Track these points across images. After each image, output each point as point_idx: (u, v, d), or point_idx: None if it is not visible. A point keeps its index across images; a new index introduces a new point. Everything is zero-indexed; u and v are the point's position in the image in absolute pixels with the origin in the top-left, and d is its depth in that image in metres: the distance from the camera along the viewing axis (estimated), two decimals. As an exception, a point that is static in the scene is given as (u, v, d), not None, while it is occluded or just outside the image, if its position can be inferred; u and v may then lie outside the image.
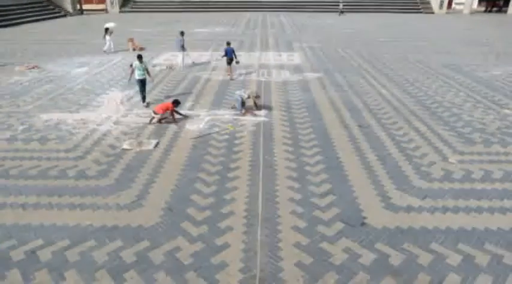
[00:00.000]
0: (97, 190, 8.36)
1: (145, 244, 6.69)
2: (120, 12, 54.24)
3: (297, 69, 20.07)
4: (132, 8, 55.38)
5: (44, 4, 48.42)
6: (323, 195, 8.17)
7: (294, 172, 9.12)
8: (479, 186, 8.58)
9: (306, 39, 30.08)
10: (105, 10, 54.56)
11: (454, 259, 6.34)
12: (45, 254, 6.43)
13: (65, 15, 48.65)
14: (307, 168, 9.35)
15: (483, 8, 60.37)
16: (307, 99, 14.75)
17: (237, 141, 10.85)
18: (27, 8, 44.47)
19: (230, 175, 9.00)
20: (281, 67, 20.47)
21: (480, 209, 7.73)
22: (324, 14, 52.14)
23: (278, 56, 23.54)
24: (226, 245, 6.66)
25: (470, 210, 7.69)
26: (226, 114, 12.99)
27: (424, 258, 6.35)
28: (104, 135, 11.35)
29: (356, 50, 25.83)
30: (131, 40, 25.50)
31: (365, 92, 15.81)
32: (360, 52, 25.02)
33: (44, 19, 44.21)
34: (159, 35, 32.55)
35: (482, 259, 6.33)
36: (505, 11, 55.60)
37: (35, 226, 7.16)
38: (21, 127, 11.86)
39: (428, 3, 55.63)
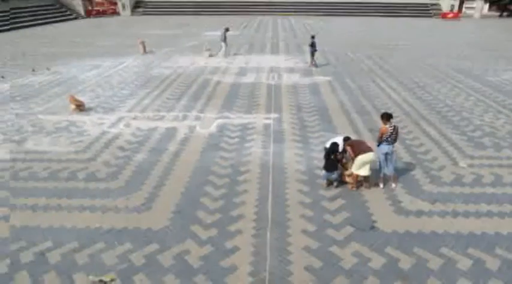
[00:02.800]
0: (107, 193, 8.40)
1: (154, 246, 6.71)
2: (132, 15, 54.65)
3: (307, 72, 20.04)
4: (144, 11, 55.77)
5: (56, 7, 48.97)
6: (333, 199, 8.13)
7: (304, 176, 9.10)
8: (489, 190, 8.50)
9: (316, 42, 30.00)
10: (117, 13, 55.04)
11: (465, 263, 6.28)
12: (54, 256, 6.48)
13: (76, 18, 49.16)
14: (317, 171, 9.31)
15: (494, 13, 59.86)
16: (317, 102, 14.72)
17: (247, 144, 10.85)
18: (40, 10, 45.03)
19: (240, 178, 9.01)
20: (291, 70, 20.46)
21: (490, 213, 7.66)
22: (334, 17, 52.11)
23: (288, 59, 23.52)
24: (235, 249, 6.66)
25: (480, 215, 7.61)
26: (236, 118, 12.99)
27: (434, 262, 6.30)
28: (114, 137, 11.42)
29: (366, 53, 25.75)
30: (142, 43, 25.59)
31: (375, 96, 15.74)
32: (370, 55, 24.94)
33: (56, 21, 44.76)
34: (171, 37, 32.71)
35: (492, 264, 6.27)
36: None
37: (44, 228, 7.21)
38: (31, 129, 11.98)
39: (439, 7, 55.30)
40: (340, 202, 8.03)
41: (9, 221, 7.39)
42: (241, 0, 56.56)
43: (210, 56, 23.96)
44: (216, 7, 56.05)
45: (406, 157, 10.07)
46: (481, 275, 6.04)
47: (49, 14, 46.02)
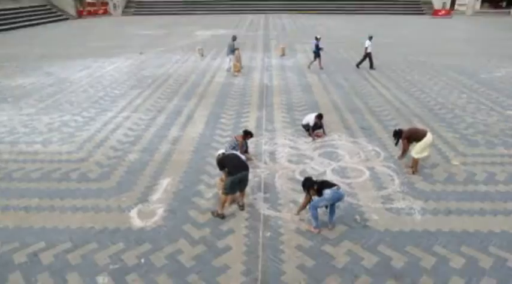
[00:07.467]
0: (99, 193, 8.35)
1: (147, 246, 6.68)
2: (123, 15, 54.40)
3: (299, 70, 20.04)
4: (135, 11, 55.53)
5: (46, 8, 48.60)
6: (325, 197, 8.12)
7: (296, 174, 9.10)
8: (482, 188, 8.53)
9: (307, 41, 30.01)
10: (108, 13, 54.72)
11: (457, 262, 6.29)
12: (47, 257, 6.43)
13: (67, 19, 48.83)
14: (309, 170, 9.32)
15: (486, 10, 60.16)
16: (309, 101, 14.73)
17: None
18: (30, 11, 44.67)
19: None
20: (283, 68, 20.45)
21: (483, 211, 7.68)
22: (326, 15, 52.12)
23: (280, 58, 23.51)
24: (228, 248, 6.64)
25: (473, 212, 7.63)
26: (227, 118, 12.98)
27: (427, 261, 6.31)
28: (106, 137, 11.36)
29: (358, 51, 25.73)
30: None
31: (367, 94, 15.77)
32: (362, 53, 24.90)
33: (46, 22, 44.40)
34: (163, 37, 32.59)
35: (485, 262, 6.28)
36: (508, 12, 55.47)
37: (37, 229, 7.16)
38: (23, 130, 11.88)
39: (431, 4, 55.49)
40: (333, 200, 8.02)
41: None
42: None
43: (202, 55, 23.91)
44: (207, 6, 55.94)
45: (399, 155, 10.07)
46: (474, 273, 6.05)
47: (40, 15, 45.61)
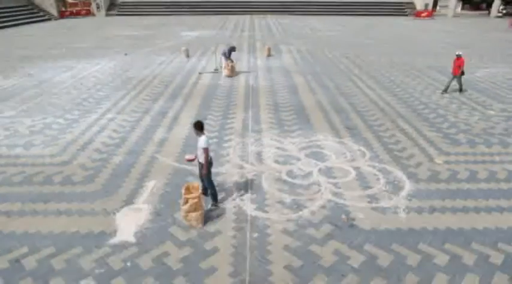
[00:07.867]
0: (83, 196, 8.25)
1: (133, 250, 6.62)
2: (107, 15, 53.89)
3: (284, 71, 20.09)
4: (119, 11, 55.05)
5: (28, 8, 47.89)
6: (312, 198, 8.16)
7: (283, 174, 9.12)
8: (465, 186, 8.67)
9: (292, 42, 30.17)
10: (91, 13, 54.15)
11: (442, 259, 6.39)
12: (30, 263, 6.33)
13: (49, 19, 48.19)
14: (296, 170, 9.35)
15: (467, 12, 61.23)
16: (295, 101, 14.77)
17: (225, 144, 10.81)
18: (11, 11, 43.94)
19: (219, 178, 8.96)
20: (269, 69, 20.48)
21: (466, 209, 7.81)
22: (310, 16, 52.39)
23: (266, 59, 23.54)
24: (215, 250, 6.62)
25: (456, 210, 7.76)
26: (213, 119, 12.95)
27: (412, 259, 6.39)
28: (91, 139, 11.22)
29: (343, 52, 25.98)
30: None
31: (352, 94, 15.89)
32: (347, 54, 25.15)
33: (28, 23, 43.77)
34: (147, 38, 32.37)
35: (469, 259, 6.39)
36: (487, 14, 56.52)
37: (20, 234, 7.03)
38: (4, 133, 11.68)
39: (414, 6, 56.21)
40: (319, 200, 8.06)
41: (-18, 228, 7.19)
42: (217, 0, 56.38)
43: (187, 56, 23.82)
44: (192, 7, 55.74)
45: (383, 155, 10.19)
46: (457, 270, 6.15)
47: (21, 15, 44.90)
